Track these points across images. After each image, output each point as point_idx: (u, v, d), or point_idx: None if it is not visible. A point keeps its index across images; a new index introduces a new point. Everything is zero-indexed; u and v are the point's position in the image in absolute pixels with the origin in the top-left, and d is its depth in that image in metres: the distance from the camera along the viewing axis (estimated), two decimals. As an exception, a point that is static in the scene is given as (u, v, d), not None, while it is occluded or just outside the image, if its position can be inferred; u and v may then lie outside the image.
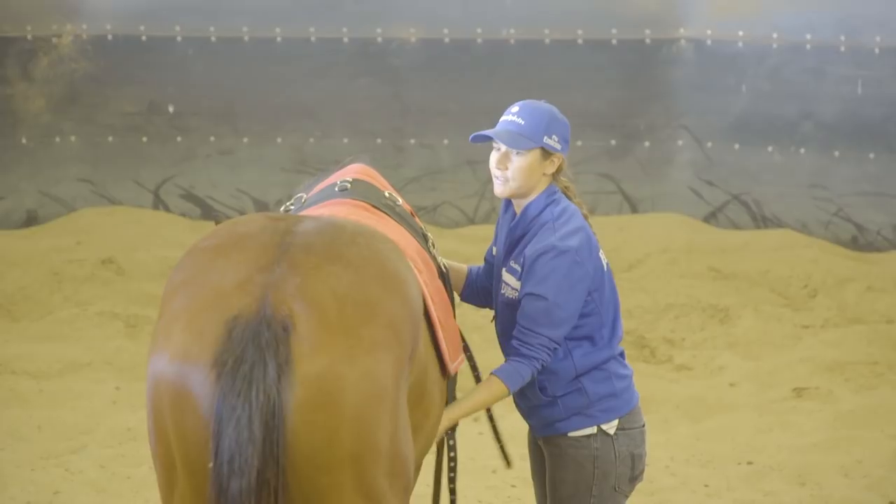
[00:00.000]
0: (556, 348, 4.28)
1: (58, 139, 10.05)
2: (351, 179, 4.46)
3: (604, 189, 10.03)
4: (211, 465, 3.38)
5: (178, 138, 10.10)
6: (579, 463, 4.39)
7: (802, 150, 9.90)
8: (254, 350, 3.40)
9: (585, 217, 4.45)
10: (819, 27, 9.78)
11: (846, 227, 9.83)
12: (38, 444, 6.93)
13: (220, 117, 10.07)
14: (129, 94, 10.05)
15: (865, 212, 9.80)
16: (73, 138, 10.06)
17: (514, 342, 4.28)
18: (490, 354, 4.68)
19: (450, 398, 4.29)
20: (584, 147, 9.91)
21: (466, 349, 4.52)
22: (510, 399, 4.53)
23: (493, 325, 4.54)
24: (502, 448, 4.64)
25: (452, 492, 4.44)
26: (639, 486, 6.48)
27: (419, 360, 3.83)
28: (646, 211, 10.05)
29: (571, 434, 4.39)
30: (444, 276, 4.45)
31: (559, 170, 4.40)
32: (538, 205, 4.36)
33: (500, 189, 4.38)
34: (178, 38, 9.98)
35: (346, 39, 10.00)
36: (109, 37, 9.97)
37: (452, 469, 4.41)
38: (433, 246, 4.50)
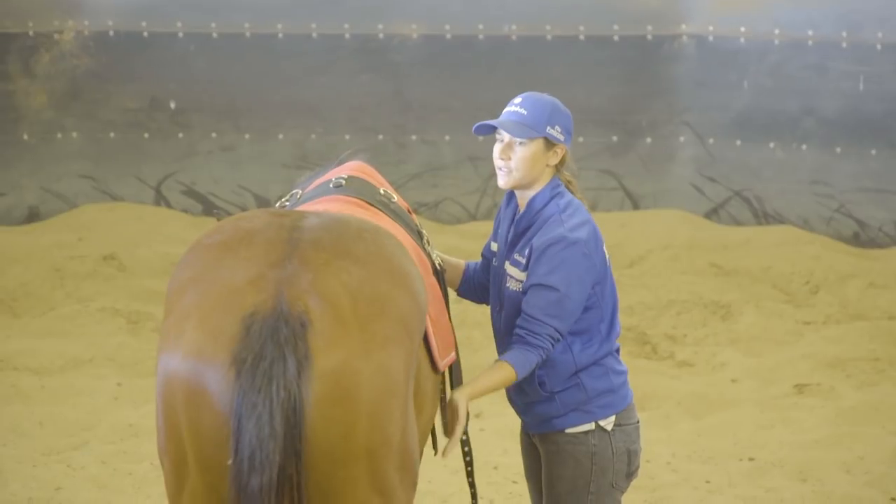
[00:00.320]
0: (560, 340, 4.28)
1: (59, 135, 10.05)
2: (346, 176, 4.48)
3: (605, 185, 10.03)
4: (230, 461, 3.39)
5: (180, 134, 10.10)
6: (577, 459, 4.39)
7: (804, 147, 9.90)
8: (273, 346, 3.41)
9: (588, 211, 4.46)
10: (820, 23, 9.78)
11: (848, 224, 9.83)
12: (40, 440, 6.93)
13: (222, 113, 10.07)
14: (130, 91, 10.06)
15: (867, 208, 9.80)
16: (74, 134, 10.07)
17: (520, 331, 4.27)
18: (490, 351, 4.68)
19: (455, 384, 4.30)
20: (585, 143, 9.91)
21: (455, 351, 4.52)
22: (506, 397, 4.53)
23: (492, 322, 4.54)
24: (472, 490, 4.61)
25: (472, 485, 4.46)
26: (640, 482, 6.51)
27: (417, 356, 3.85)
28: (647, 207, 10.05)
29: (569, 430, 4.39)
30: (437, 272, 4.46)
31: (562, 162, 4.42)
32: (543, 197, 4.37)
33: (503, 180, 4.39)
34: (180, 35, 9.98)
35: (347, 35, 10.00)
36: (111, 33, 9.97)
37: (469, 464, 4.44)
38: (428, 243, 4.51)
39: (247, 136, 10.10)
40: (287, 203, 4.53)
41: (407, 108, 10.06)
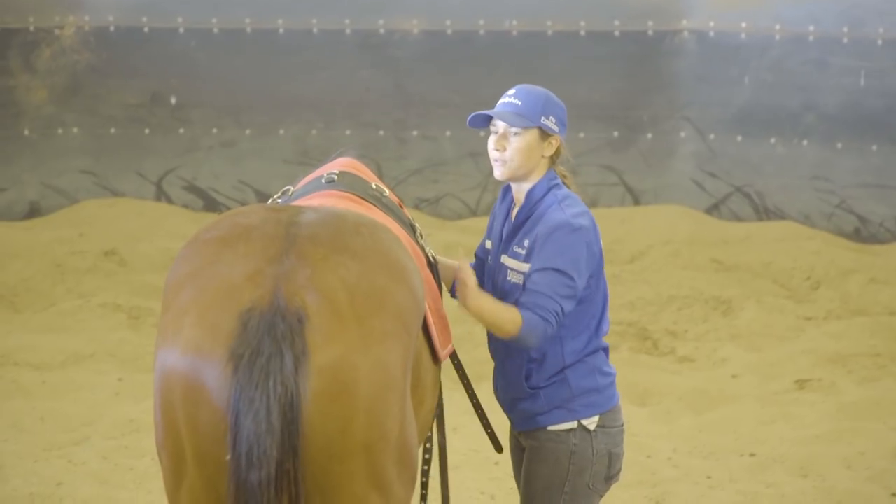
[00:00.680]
0: (559, 323, 4.24)
1: (60, 131, 10.05)
2: (338, 172, 4.49)
3: (606, 181, 10.03)
4: (228, 457, 3.40)
5: (181, 130, 10.09)
6: (556, 457, 4.36)
7: (805, 142, 9.89)
8: (270, 342, 3.42)
9: None
10: (822, 18, 9.78)
11: (849, 219, 9.82)
12: (41, 435, 6.93)
13: (223, 109, 10.07)
14: (131, 86, 10.05)
15: (868, 203, 9.79)
16: (75, 130, 10.06)
17: (528, 305, 4.20)
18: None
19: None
20: (586, 139, 9.91)
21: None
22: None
23: None
24: (492, 434, 4.60)
25: (424, 486, 4.44)
26: (641, 477, 6.51)
27: (415, 349, 3.85)
28: (648, 203, 10.05)
29: (551, 428, 4.36)
30: (432, 265, 4.46)
31: (557, 153, 4.42)
32: (541, 189, 4.37)
33: (499, 171, 4.39)
34: (181, 30, 9.97)
35: (348, 31, 10.00)
36: (112, 28, 9.97)
37: (427, 462, 4.40)
38: (421, 236, 4.51)
39: (247, 131, 10.10)
40: (279, 200, 4.53)
41: (408, 104, 10.06)
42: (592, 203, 9.90)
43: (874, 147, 9.78)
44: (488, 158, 4.45)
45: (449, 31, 9.99)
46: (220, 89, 10.05)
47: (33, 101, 10.02)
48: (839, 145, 9.83)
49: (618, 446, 4.42)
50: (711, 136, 10.01)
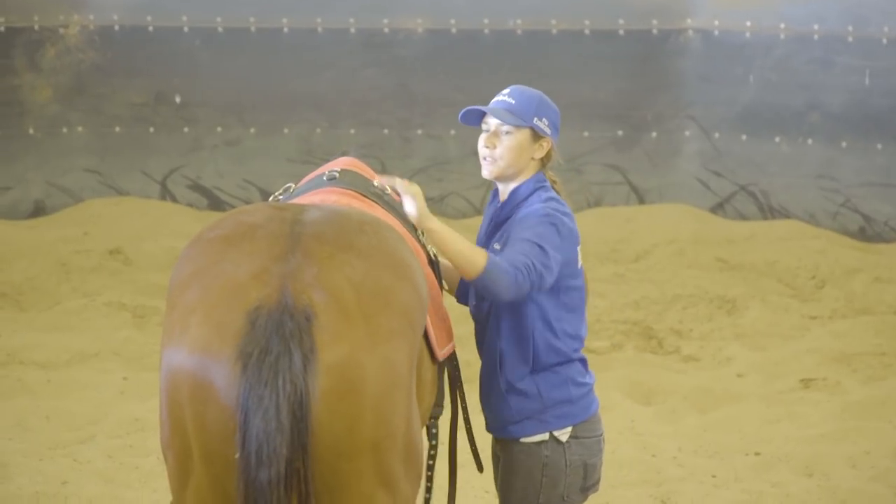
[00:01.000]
0: (533, 282, 4.10)
1: (65, 130, 10.06)
2: (339, 169, 4.49)
3: (611, 180, 10.02)
4: (237, 455, 3.40)
5: (185, 129, 10.10)
6: (528, 470, 4.30)
7: (810, 141, 9.89)
8: (278, 340, 3.42)
9: None
10: (826, 17, 9.77)
11: (854, 218, 9.82)
12: (46, 434, 6.93)
13: (227, 108, 10.07)
14: (136, 85, 10.06)
15: (873, 202, 9.79)
16: (80, 129, 10.07)
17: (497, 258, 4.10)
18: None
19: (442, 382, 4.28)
20: (591, 138, 9.91)
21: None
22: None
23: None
24: (475, 452, 4.55)
25: (429, 479, 4.41)
26: (646, 476, 6.51)
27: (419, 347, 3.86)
28: (653, 202, 10.04)
29: (524, 440, 4.31)
30: (433, 263, 4.46)
31: (548, 157, 4.37)
32: (527, 188, 4.32)
33: (487, 170, 4.36)
34: (185, 29, 9.97)
35: (352, 30, 10.00)
36: (116, 27, 9.97)
37: (432, 458, 4.36)
38: (422, 234, 4.51)
39: (252, 130, 10.10)
40: (281, 197, 4.54)
41: (412, 103, 10.06)
42: (597, 202, 9.90)
43: (879, 146, 9.78)
44: (488, 158, 4.42)
45: (453, 31, 9.99)
46: (224, 88, 10.05)
47: (38, 101, 10.02)
48: (844, 144, 9.83)
49: (594, 456, 4.35)
50: (716, 135, 10.01)
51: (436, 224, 4.10)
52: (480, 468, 4.58)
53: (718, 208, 10.01)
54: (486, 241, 4.40)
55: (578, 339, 4.35)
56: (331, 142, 9.90)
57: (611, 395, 7.40)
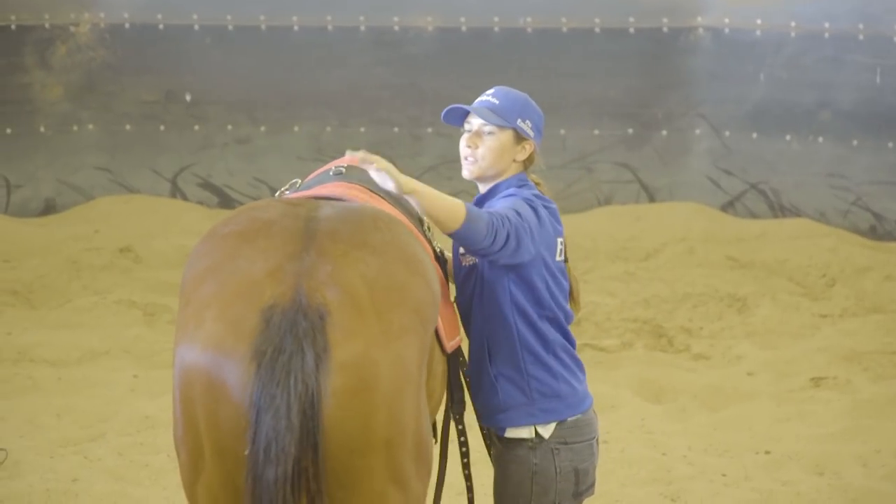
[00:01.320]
0: (510, 234, 4.05)
1: (75, 128, 10.07)
2: (346, 165, 4.47)
3: (621, 178, 10.01)
4: (247, 452, 3.41)
5: (196, 127, 10.11)
6: (519, 478, 4.28)
7: (820, 139, 9.88)
8: (292, 340, 3.43)
9: None
10: (837, 15, 9.76)
11: (864, 217, 9.81)
12: (57, 431, 6.95)
13: (237, 106, 10.08)
14: (146, 83, 10.07)
15: (884, 201, 9.77)
16: (90, 127, 10.08)
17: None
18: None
19: (453, 377, 4.27)
20: (601, 136, 9.90)
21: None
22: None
23: None
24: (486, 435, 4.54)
25: (467, 478, 4.43)
26: (656, 475, 6.51)
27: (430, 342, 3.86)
28: (663, 200, 10.04)
29: (510, 435, 4.27)
30: (439, 258, 4.45)
31: (530, 160, 4.34)
32: (508, 184, 4.29)
33: (468, 170, 4.32)
34: (196, 27, 9.99)
35: (362, 28, 10.01)
36: (127, 25, 9.99)
37: (465, 455, 4.37)
38: (429, 229, 4.50)
39: (262, 128, 10.11)
40: (287, 192, 4.53)
41: (422, 101, 10.06)
42: (607, 200, 9.89)
43: (890, 144, 9.76)
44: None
45: (463, 28, 9.99)
46: (234, 86, 10.07)
47: (49, 99, 10.04)
48: (854, 142, 9.81)
49: (586, 461, 4.31)
50: (726, 133, 10.00)
51: (418, 185, 4.04)
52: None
53: (729, 206, 10.00)
54: None
55: (562, 328, 4.28)
56: (341, 140, 9.91)
57: (621, 394, 7.40)
